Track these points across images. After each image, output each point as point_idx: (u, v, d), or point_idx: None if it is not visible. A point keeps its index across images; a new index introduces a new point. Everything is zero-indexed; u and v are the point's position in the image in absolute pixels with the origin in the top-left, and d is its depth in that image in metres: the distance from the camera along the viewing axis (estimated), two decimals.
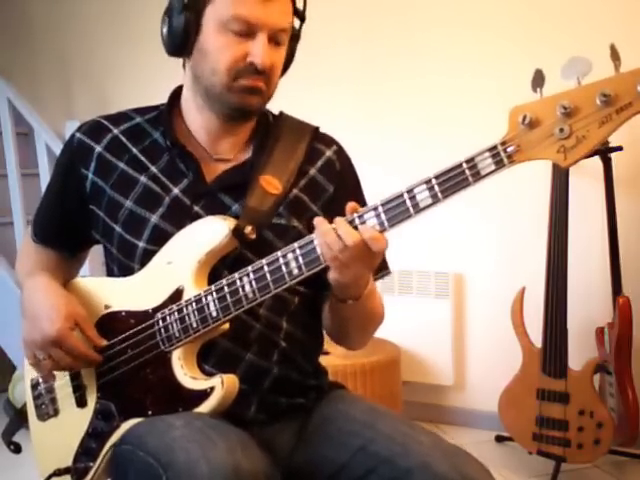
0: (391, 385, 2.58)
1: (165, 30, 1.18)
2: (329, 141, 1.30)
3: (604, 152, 2.29)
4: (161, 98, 1.29)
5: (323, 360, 1.34)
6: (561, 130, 0.93)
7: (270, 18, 1.12)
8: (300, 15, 1.21)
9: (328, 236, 1.02)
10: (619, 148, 2.27)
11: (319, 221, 1.04)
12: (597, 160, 2.32)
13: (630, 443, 2.30)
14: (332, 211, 1.06)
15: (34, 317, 1.20)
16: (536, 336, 2.30)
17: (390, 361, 2.58)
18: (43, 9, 3.84)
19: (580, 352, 2.33)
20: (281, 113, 1.30)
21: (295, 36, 1.22)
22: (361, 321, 1.22)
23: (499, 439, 2.66)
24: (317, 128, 1.29)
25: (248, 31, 1.12)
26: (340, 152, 1.30)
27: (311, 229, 1.07)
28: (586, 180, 2.49)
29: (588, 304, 2.52)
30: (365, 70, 2.93)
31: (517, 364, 2.35)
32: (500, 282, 2.73)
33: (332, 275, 1.06)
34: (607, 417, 2.16)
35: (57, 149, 3.16)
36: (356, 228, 1.02)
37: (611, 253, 2.36)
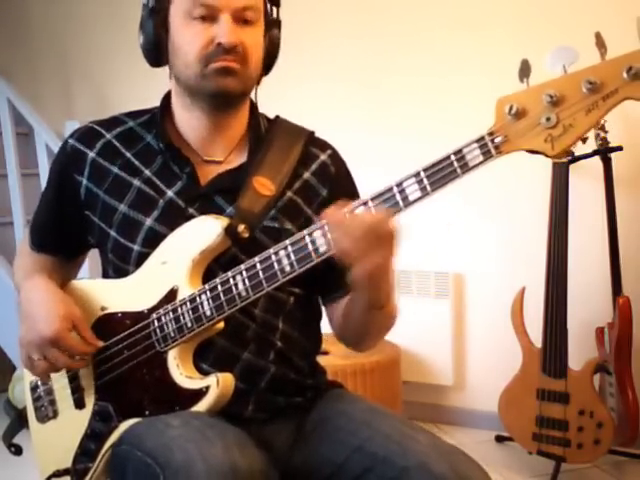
0: (391, 385, 2.58)
1: (142, 41, 1.20)
2: (324, 145, 1.30)
3: (604, 152, 2.29)
4: (160, 98, 1.29)
5: (322, 360, 1.34)
6: (548, 119, 0.93)
7: None
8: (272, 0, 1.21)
9: (336, 231, 1.00)
10: (619, 148, 2.27)
11: (328, 217, 1.02)
12: (597, 160, 2.32)
13: (630, 443, 2.29)
14: None
15: (31, 318, 1.20)
16: (536, 336, 2.29)
17: (390, 361, 2.58)
18: (43, 9, 3.84)
19: (580, 352, 2.33)
20: (277, 117, 1.30)
21: (273, 22, 1.21)
22: (380, 327, 1.22)
23: (499, 439, 2.66)
24: (312, 132, 1.29)
25: (211, 15, 1.13)
26: (334, 156, 1.30)
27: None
28: (586, 180, 2.49)
29: (588, 304, 2.52)
30: (363, 67, 2.93)
31: (517, 364, 2.35)
32: (500, 282, 2.73)
33: (353, 274, 1.02)
34: (607, 417, 2.15)
35: (57, 149, 3.15)
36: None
37: (611, 253, 2.35)
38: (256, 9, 1.16)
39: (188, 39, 1.15)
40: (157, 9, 1.17)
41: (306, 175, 1.25)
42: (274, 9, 1.22)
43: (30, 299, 1.24)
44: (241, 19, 1.14)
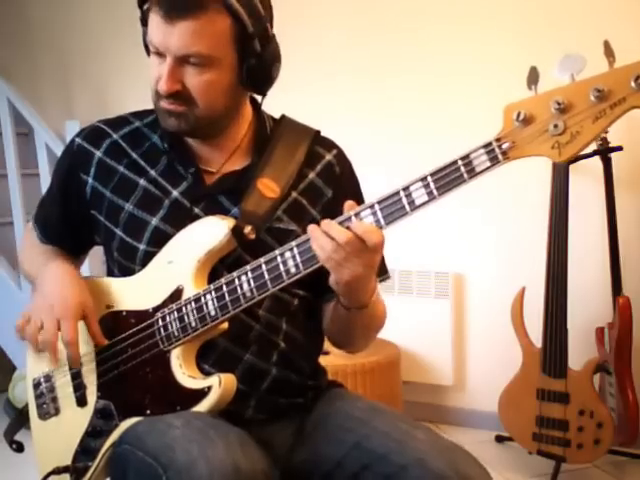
0: (391, 385, 2.58)
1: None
2: (329, 145, 1.30)
3: (604, 152, 2.29)
4: None
5: (323, 360, 1.34)
6: (555, 126, 0.94)
7: (170, 43, 1.09)
8: (238, 18, 1.10)
9: (320, 239, 1.02)
10: (619, 148, 2.27)
11: (311, 228, 1.04)
12: (597, 160, 2.32)
13: (630, 443, 2.30)
14: (332, 215, 1.06)
15: (48, 295, 1.20)
16: (536, 336, 2.30)
17: (390, 361, 2.58)
18: (43, 9, 3.83)
19: (580, 352, 2.33)
20: (282, 117, 1.30)
21: (251, 47, 1.13)
22: (364, 328, 1.22)
23: (499, 439, 2.66)
24: (318, 131, 1.29)
25: (160, 53, 1.12)
26: (340, 156, 1.30)
27: None
28: (586, 180, 2.49)
29: (588, 304, 2.52)
30: (367, 68, 2.93)
31: (517, 364, 2.35)
32: (500, 282, 2.73)
33: (331, 278, 1.06)
34: (607, 417, 2.16)
35: (57, 149, 3.15)
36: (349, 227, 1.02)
37: (611, 253, 2.36)
38: (204, 56, 1.10)
39: (150, 66, 1.15)
40: (143, 20, 1.18)
41: (311, 175, 1.25)
42: (253, 26, 1.12)
43: (53, 278, 1.23)
44: (187, 62, 1.11)
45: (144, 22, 1.18)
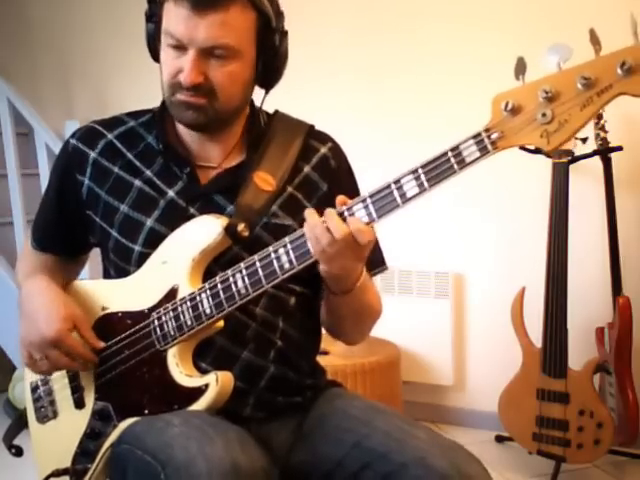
0: (391, 385, 2.58)
1: (145, 36, 1.21)
2: (324, 138, 1.30)
3: (604, 152, 2.29)
4: (160, 98, 1.29)
5: (322, 360, 1.34)
6: (543, 115, 0.94)
7: (197, 35, 1.09)
8: (263, 12, 1.13)
9: (317, 229, 1.02)
10: (619, 148, 2.27)
11: (309, 213, 1.04)
12: (597, 160, 2.32)
13: (630, 443, 2.29)
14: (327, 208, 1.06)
15: (32, 318, 1.20)
16: (536, 336, 2.29)
17: (390, 361, 2.58)
18: (43, 9, 3.84)
19: (580, 352, 2.33)
20: (276, 112, 1.30)
21: (271, 41, 1.16)
22: (356, 315, 1.22)
23: (499, 439, 2.66)
24: (312, 126, 1.29)
25: (180, 46, 1.11)
26: (335, 149, 1.30)
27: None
28: (586, 180, 2.49)
29: (588, 304, 2.52)
30: (362, 67, 2.93)
31: (517, 364, 2.35)
32: (500, 282, 2.73)
33: (321, 267, 1.07)
34: (607, 417, 2.15)
35: (57, 149, 3.15)
36: (345, 220, 1.02)
37: (611, 253, 2.36)
38: (230, 48, 1.11)
39: (164, 60, 1.15)
40: (150, 17, 1.18)
41: (306, 169, 1.25)
42: (275, 21, 1.16)
43: (31, 299, 1.24)
44: (211, 54, 1.11)
45: (150, 17, 1.18)
